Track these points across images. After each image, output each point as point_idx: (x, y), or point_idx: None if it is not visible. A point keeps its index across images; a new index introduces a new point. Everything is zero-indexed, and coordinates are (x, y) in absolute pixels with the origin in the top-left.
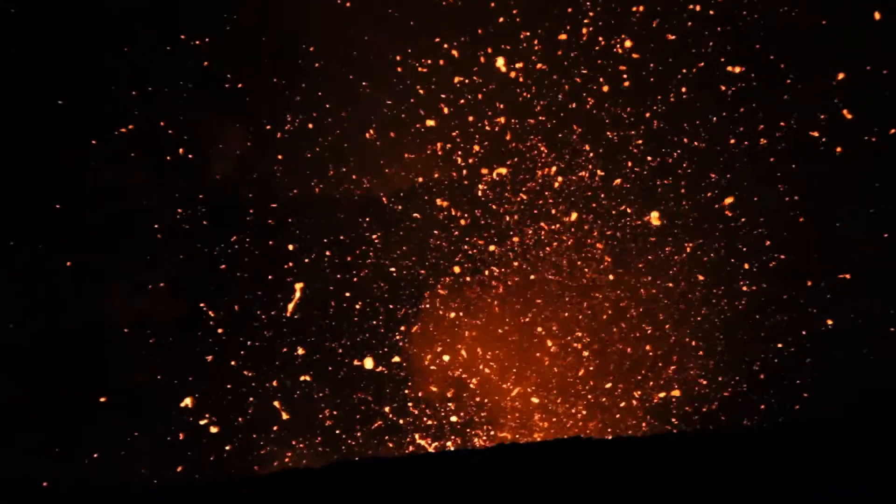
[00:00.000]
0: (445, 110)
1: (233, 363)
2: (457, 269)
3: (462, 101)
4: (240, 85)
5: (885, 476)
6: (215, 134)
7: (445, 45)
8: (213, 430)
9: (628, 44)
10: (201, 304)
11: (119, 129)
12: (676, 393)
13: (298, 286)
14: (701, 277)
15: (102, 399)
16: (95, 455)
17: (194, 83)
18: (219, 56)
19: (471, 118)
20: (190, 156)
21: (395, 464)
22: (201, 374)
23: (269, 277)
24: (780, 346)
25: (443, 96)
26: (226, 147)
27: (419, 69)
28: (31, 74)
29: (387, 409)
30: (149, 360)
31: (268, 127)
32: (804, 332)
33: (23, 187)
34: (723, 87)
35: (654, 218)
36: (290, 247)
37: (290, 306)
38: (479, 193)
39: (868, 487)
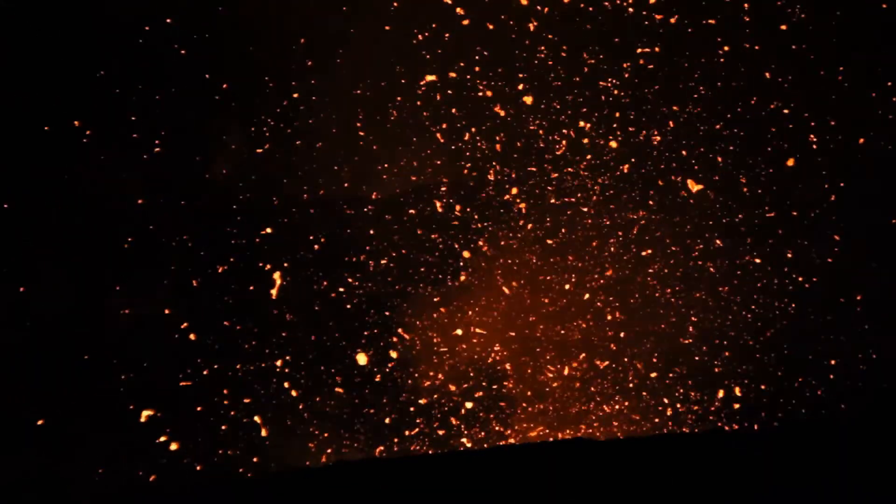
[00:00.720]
0: (445, 108)
1: (226, 366)
2: (463, 257)
3: (462, 98)
4: (225, 85)
5: (886, 476)
6: (209, 136)
7: (447, 34)
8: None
9: (658, 17)
10: (196, 306)
11: (115, 129)
12: (734, 392)
13: (277, 274)
14: (738, 278)
15: (94, 401)
16: (92, 456)
17: (187, 84)
18: (212, 56)
19: (473, 115)
20: (184, 157)
21: (396, 464)
22: (194, 378)
23: (253, 286)
24: (833, 363)
25: (442, 95)
26: (220, 149)
27: (417, 66)
28: (26, 75)
29: (387, 420)
30: (143, 361)
31: (253, 128)
32: (860, 346)
33: (18, 188)
34: (768, 74)
35: (690, 207)
36: (284, 248)
37: (274, 291)
38: (484, 189)
39: (868, 487)
